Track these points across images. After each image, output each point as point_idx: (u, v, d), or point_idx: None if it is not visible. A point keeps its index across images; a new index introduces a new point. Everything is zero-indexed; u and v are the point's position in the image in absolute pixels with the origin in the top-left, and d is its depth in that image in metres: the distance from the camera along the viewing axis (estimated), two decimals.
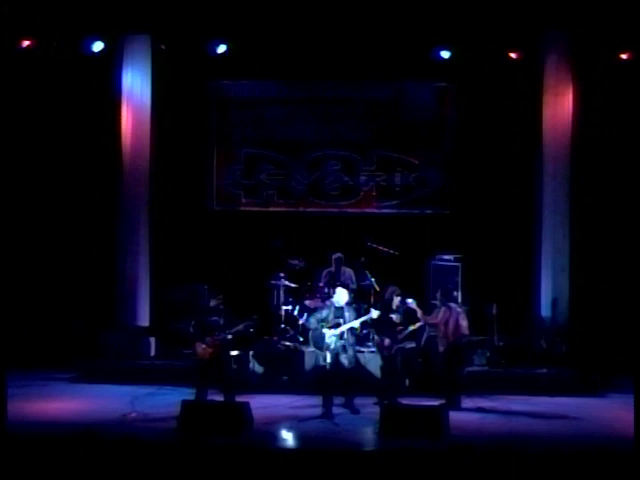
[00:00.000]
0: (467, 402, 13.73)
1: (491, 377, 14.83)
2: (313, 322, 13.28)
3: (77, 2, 15.69)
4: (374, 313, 13.28)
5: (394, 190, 17.23)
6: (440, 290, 13.92)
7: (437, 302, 13.82)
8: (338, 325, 13.07)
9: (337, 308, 13.21)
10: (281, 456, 10.96)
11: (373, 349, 14.34)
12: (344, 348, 13.02)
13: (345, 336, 13.05)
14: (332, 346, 12.97)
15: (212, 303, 13.23)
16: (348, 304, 13.29)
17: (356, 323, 13.20)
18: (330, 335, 13.02)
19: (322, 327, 13.11)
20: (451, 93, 17.08)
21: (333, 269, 15.84)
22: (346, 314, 13.14)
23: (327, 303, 13.66)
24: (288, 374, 14.73)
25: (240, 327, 13.46)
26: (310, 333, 13.33)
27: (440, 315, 13.53)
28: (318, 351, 13.21)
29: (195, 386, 12.96)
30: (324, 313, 13.25)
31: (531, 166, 16.32)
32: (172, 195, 16.80)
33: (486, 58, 16.23)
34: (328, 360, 12.96)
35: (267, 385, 14.65)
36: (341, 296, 13.28)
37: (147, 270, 16.32)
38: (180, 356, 15.16)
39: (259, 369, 15.04)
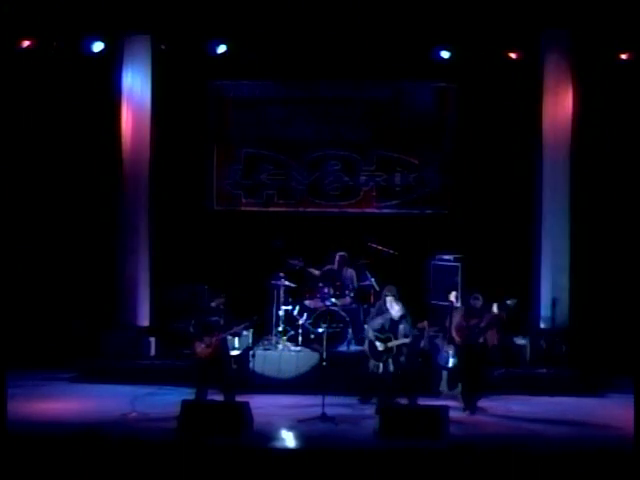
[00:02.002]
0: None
1: (491, 377, 14.79)
2: (370, 332, 13.43)
3: (77, 2, 15.69)
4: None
5: (394, 190, 17.22)
6: (475, 294, 13.72)
7: (477, 302, 13.63)
8: (389, 339, 13.25)
9: (392, 320, 13.34)
10: (281, 456, 10.97)
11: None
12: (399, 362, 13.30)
13: (394, 351, 13.25)
14: (384, 358, 13.26)
15: (213, 304, 13.25)
16: (402, 317, 13.36)
17: (406, 340, 13.29)
18: (382, 348, 13.27)
19: (375, 339, 13.30)
20: (451, 93, 17.07)
21: (335, 267, 15.84)
22: (400, 327, 13.27)
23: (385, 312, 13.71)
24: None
25: (239, 328, 13.49)
26: (366, 342, 13.51)
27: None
28: (372, 360, 13.43)
29: (195, 386, 12.98)
30: (380, 322, 13.42)
31: (531, 166, 16.31)
32: (172, 195, 16.79)
33: (486, 58, 16.21)
34: (381, 370, 13.27)
35: (267, 385, 14.68)
36: (395, 309, 13.37)
37: (147, 270, 16.30)
38: (180, 356, 15.15)
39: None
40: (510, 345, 15.20)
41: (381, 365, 13.28)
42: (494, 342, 13.48)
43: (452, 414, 12.22)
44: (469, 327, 13.33)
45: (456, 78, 16.83)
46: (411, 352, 13.53)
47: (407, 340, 13.28)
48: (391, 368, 13.25)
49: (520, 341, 15.47)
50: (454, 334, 13.53)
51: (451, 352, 13.85)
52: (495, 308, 13.48)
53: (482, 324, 13.33)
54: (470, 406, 13.18)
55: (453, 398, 13.87)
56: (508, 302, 13.37)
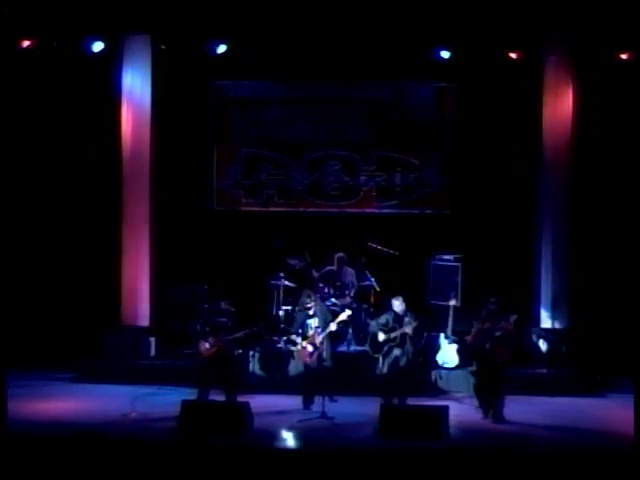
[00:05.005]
0: (468, 402, 13.74)
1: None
2: (374, 326, 13.38)
3: (77, 2, 15.69)
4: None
5: (394, 190, 17.22)
6: (492, 298, 13.40)
7: (493, 307, 13.37)
8: (394, 329, 13.15)
9: (397, 315, 13.26)
10: (281, 456, 10.97)
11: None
12: (400, 353, 13.12)
13: (398, 341, 13.12)
14: (384, 351, 13.13)
15: (223, 305, 13.26)
16: (405, 311, 13.27)
17: (408, 329, 13.16)
18: (382, 338, 13.15)
19: (379, 332, 13.22)
20: (451, 93, 17.06)
21: (335, 268, 15.84)
22: (405, 320, 13.17)
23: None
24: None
25: (242, 333, 13.50)
26: (369, 337, 13.42)
27: None
28: (374, 355, 13.28)
29: (197, 386, 12.99)
30: (384, 319, 13.34)
31: (531, 166, 16.31)
32: (172, 195, 16.79)
33: (486, 58, 16.22)
34: (380, 364, 13.15)
35: (268, 385, 14.69)
36: (397, 305, 13.29)
37: (147, 270, 16.31)
38: (180, 356, 15.20)
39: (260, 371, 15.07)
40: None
41: (381, 359, 13.17)
42: (505, 358, 13.05)
43: (451, 414, 12.19)
44: (482, 330, 13.16)
45: (456, 78, 16.83)
46: (415, 339, 13.45)
47: (411, 326, 13.11)
48: (392, 360, 13.16)
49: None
50: (470, 338, 13.43)
51: None
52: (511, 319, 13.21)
53: (496, 332, 13.01)
54: (487, 411, 13.01)
55: (456, 399, 13.94)
56: (510, 318, 13.22)
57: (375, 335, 13.25)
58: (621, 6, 15.04)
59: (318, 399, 13.02)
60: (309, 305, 13.68)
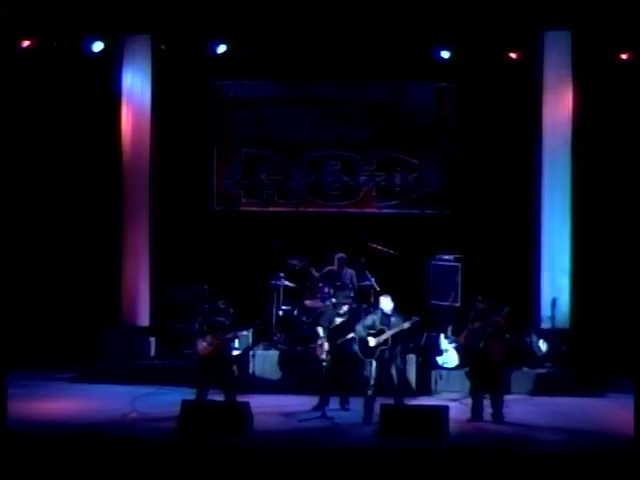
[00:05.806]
0: (467, 402, 13.74)
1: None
2: (360, 330, 13.07)
3: (77, 2, 15.70)
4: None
5: (394, 190, 17.23)
6: (479, 296, 13.43)
7: (480, 305, 13.34)
8: (382, 332, 12.90)
9: (384, 315, 13.04)
10: (281, 456, 10.97)
11: None
12: (391, 357, 12.91)
13: (389, 343, 12.89)
14: (377, 355, 12.90)
15: (221, 305, 13.26)
16: (393, 310, 13.05)
17: (400, 328, 12.89)
18: (374, 343, 12.89)
19: (367, 335, 12.95)
20: (451, 93, 17.08)
21: (335, 268, 15.84)
22: (392, 320, 12.95)
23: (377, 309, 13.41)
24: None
25: (242, 331, 13.48)
26: (357, 341, 13.13)
27: None
28: (364, 359, 13.03)
29: (196, 385, 12.99)
30: (370, 320, 13.09)
31: (531, 166, 16.31)
32: (172, 195, 16.80)
33: (486, 58, 16.24)
34: (373, 368, 12.88)
35: (267, 385, 14.71)
36: (386, 303, 13.09)
37: (147, 270, 16.31)
38: (180, 356, 15.19)
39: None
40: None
41: (373, 362, 12.89)
42: (499, 355, 12.99)
43: (451, 414, 12.19)
44: (473, 330, 13.19)
45: (456, 78, 16.84)
46: (406, 339, 13.35)
47: (405, 325, 12.88)
48: (392, 371, 12.92)
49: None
50: (462, 339, 13.43)
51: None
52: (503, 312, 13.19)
53: (487, 329, 12.98)
54: (478, 415, 12.98)
55: (455, 399, 13.95)
56: (503, 311, 13.17)
57: (363, 339, 12.95)
58: (621, 6, 15.05)
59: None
60: (343, 305, 13.61)
